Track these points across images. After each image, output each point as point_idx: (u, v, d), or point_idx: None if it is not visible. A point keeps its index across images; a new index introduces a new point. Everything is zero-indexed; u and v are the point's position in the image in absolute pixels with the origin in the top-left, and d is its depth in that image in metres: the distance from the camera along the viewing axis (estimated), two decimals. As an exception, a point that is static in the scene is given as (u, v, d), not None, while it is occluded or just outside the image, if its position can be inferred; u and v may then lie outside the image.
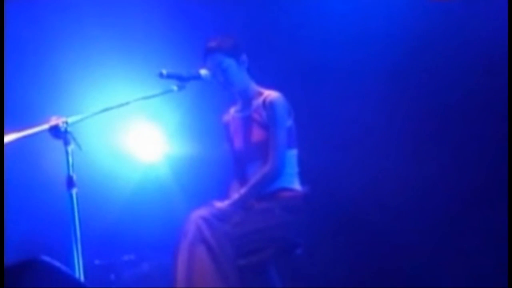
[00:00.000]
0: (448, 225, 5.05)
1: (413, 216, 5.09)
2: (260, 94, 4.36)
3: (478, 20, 5.02)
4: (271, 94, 4.31)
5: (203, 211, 4.06)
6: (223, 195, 4.39)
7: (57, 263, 2.94)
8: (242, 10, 5.37)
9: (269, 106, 4.26)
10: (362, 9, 5.26)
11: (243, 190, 4.22)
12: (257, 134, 4.30)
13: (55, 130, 3.67)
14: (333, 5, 5.30)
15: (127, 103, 3.97)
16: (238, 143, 4.39)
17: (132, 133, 5.28)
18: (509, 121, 4.89)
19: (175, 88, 4.06)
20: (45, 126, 3.69)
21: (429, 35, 5.14)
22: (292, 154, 4.31)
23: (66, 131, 3.67)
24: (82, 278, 3.52)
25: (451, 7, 5.08)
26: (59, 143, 3.68)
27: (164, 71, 3.99)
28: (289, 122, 4.29)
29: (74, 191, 3.64)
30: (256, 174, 4.25)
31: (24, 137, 3.66)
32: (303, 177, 4.35)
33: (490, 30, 4.97)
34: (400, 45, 5.14)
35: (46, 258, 2.92)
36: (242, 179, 4.32)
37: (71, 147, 3.67)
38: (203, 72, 4.20)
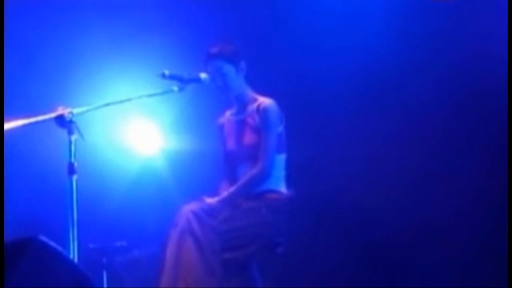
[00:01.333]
0: (432, 226, 5.10)
1: (391, 219, 5.15)
2: (255, 100, 4.49)
3: (478, 20, 5.07)
4: (265, 101, 4.45)
5: (193, 206, 4.21)
6: (214, 188, 4.51)
7: (53, 244, 2.98)
8: (241, 17, 5.47)
9: (262, 112, 4.41)
10: (359, 11, 5.33)
11: (232, 189, 4.36)
12: (249, 137, 4.45)
13: (60, 120, 3.83)
14: (329, 8, 5.36)
15: (129, 100, 4.15)
16: (231, 144, 4.53)
17: (131, 128, 5.38)
18: (509, 120, 4.93)
19: (175, 88, 4.21)
20: (52, 115, 3.84)
21: (427, 36, 5.21)
22: (281, 159, 4.46)
23: (71, 121, 3.83)
24: (76, 259, 3.65)
25: (451, 7, 5.13)
26: (63, 132, 3.83)
27: (167, 72, 4.15)
28: (280, 128, 4.44)
29: (74, 177, 3.80)
30: (245, 174, 4.39)
31: (32, 124, 3.83)
32: (289, 180, 4.48)
33: (490, 30, 5.03)
34: (397, 46, 5.21)
35: (44, 238, 2.96)
36: (232, 178, 4.47)
37: (74, 137, 3.82)
38: (203, 75, 4.34)
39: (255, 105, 4.48)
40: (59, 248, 3.01)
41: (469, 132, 5.16)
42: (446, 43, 5.21)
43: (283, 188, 4.47)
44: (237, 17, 5.48)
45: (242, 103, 4.54)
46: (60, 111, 3.85)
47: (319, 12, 5.37)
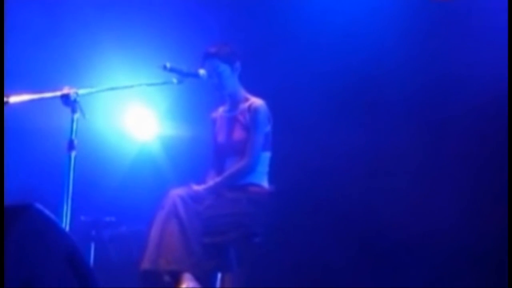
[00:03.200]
0: (416, 220, 5.14)
1: (374, 213, 5.23)
2: (247, 99, 4.74)
3: (478, 20, 5.11)
4: (256, 101, 4.69)
5: (180, 191, 4.45)
6: (204, 173, 4.75)
7: (48, 212, 3.03)
8: (235, 18, 5.62)
9: (253, 111, 4.65)
10: (351, 12, 5.40)
11: (218, 179, 4.61)
12: (238, 133, 4.69)
13: (66, 98, 4.02)
14: (319, 10, 5.44)
15: (131, 86, 4.38)
16: (221, 138, 4.77)
17: (130, 114, 5.56)
18: (509, 120, 4.95)
19: (175, 80, 4.43)
20: (58, 93, 4.04)
21: (421, 36, 5.26)
22: (266, 156, 4.70)
23: (75, 101, 4.01)
24: (67, 228, 3.81)
25: (452, 7, 5.18)
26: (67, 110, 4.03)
27: (168, 64, 4.34)
28: (268, 128, 4.68)
29: (73, 153, 3.99)
30: (232, 167, 4.63)
31: (40, 99, 4.02)
32: (271, 176, 4.69)
33: (490, 30, 5.05)
34: (390, 45, 5.27)
35: (39, 206, 3.00)
36: (219, 169, 4.71)
37: (76, 115, 4.01)
38: (201, 72, 4.57)
39: (246, 104, 4.71)
40: (53, 216, 3.05)
41: (469, 132, 5.17)
42: (444, 42, 5.25)
43: (265, 183, 4.71)
44: (232, 18, 5.62)
45: (234, 101, 4.77)
46: (66, 90, 4.03)
47: (310, 14, 5.48)
